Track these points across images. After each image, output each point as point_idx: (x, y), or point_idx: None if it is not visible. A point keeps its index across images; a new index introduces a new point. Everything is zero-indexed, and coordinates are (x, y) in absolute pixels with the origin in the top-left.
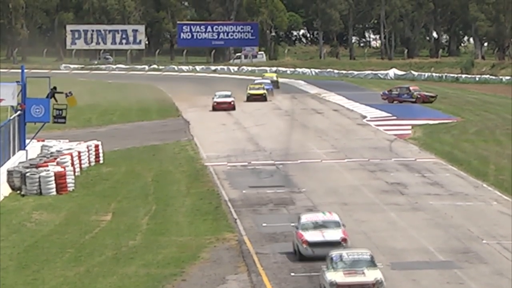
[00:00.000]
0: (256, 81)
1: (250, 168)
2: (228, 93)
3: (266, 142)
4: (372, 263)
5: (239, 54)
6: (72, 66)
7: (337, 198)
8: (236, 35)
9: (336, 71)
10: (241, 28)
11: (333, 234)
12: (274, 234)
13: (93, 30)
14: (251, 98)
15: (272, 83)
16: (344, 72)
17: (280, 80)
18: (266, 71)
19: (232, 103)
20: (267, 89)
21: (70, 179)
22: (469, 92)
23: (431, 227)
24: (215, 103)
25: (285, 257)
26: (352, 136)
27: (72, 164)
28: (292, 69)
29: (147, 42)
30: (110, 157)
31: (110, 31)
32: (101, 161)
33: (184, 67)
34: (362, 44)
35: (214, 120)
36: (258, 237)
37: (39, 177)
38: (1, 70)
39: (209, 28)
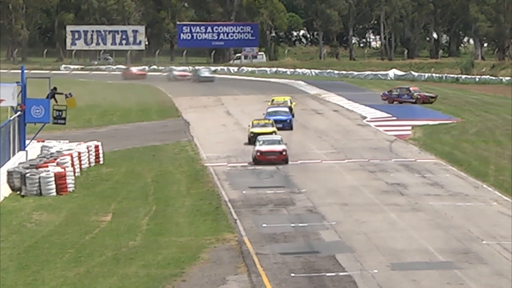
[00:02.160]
0: (269, 109)
1: (250, 169)
2: (278, 137)
3: None
4: None
5: (239, 54)
6: (72, 66)
7: (337, 199)
8: (236, 36)
9: (336, 71)
10: (241, 29)
11: None
12: (274, 235)
13: (93, 31)
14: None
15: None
16: (344, 72)
17: (280, 80)
18: (275, 96)
19: (283, 153)
20: (285, 121)
21: (70, 179)
22: (469, 93)
23: (431, 228)
24: (258, 153)
25: (285, 257)
26: (352, 137)
27: (72, 165)
28: (292, 70)
29: (147, 43)
30: (110, 157)
31: (110, 31)
32: (101, 162)
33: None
34: (362, 45)
35: (214, 120)
36: (258, 237)
37: (39, 178)
38: (1, 71)
39: (209, 29)
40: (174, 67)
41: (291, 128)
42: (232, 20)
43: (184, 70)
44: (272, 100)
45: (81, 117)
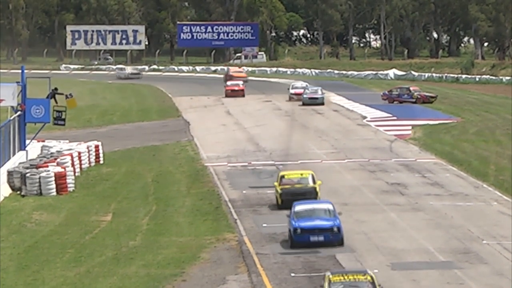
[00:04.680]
0: (297, 208)
1: (250, 169)
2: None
3: (266, 142)
4: None
5: (239, 54)
6: (72, 66)
7: (338, 199)
8: (236, 36)
9: (336, 71)
10: (241, 29)
11: None
12: (274, 235)
13: (93, 31)
14: None
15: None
16: (344, 72)
17: (280, 80)
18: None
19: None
20: (330, 230)
21: (70, 179)
22: (469, 93)
23: (431, 228)
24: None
25: (286, 257)
26: (352, 137)
27: (72, 165)
28: (292, 70)
29: (147, 43)
30: (110, 157)
31: (110, 31)
32: (101, 162)
33: (184, 68)
34: (362, 45)
35: (214, 120)
36: (258, 237)
37: (39, 178)
38: (1, 71)
39: (209, 29)
40: (293, 83)
41: (341, 243)
42: (232, 20)
43: (300, 88)
44: (281, 178)
45: (81, 117)
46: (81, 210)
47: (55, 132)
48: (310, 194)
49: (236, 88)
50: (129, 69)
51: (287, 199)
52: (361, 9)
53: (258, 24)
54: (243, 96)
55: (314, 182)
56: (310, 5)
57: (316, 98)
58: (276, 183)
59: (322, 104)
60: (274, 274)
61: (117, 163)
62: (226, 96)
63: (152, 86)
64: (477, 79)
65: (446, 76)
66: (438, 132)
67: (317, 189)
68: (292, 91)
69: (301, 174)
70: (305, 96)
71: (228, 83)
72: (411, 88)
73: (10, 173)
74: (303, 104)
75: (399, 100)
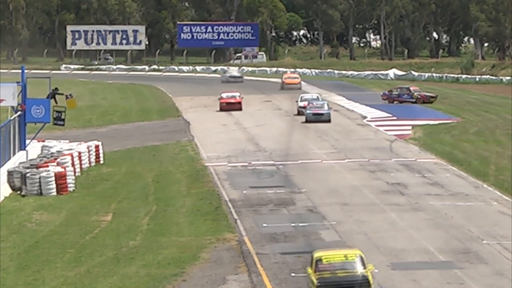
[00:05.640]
0: None
1: (250, 169)
2: None
3: (267, 142)
4: None
5: (239, 54)
6: (72, 66)
7: (338, 199)
8: (236, 36)
9: (336, 71)
10: (242, 29)
11: None
12: (274, 235)
13: (93, 31)
14: None
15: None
16: (344, 72)
17: (281, 81)
18: None
19: None
20: None
21: (70, 179)
22: (469, 93)
23: (431, 228)
24: None
25: (286, 257)
26: (352, 137)
27: (73, 165)
28: (292, 70)
29: (147, 43)
30: (111, 157)
31: (110, 31)
32: (102, 162)
33: (185, 68)
34: (362, 45)
35: (214, 120)
36: (258, 237)
37: (40, 178)
38: (2, 71)
39: (209, 29)
40: (303, 94)
41: None
42: (232, 20)
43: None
44: (317, 262)
45: (82, 117)
46: (81, 210)
47: (55, 132)
48: (360, 286)
49: (233, 101)
50: (231, 72)
51: None
52: (361, 9)
53: (258, 24)
54: (240, 109)
55: (364, 267)
56: (310, 5)
57: (322, 114)
58: (309, 269)
59: (329, 121)
60: (274, 274)
61: (117, 163)
62: (221, 109)
63: (152, 86)
64: (477, 79)
65: (446, 76)
66: (438, 132)
67: (370, 278)
68: (301, 103)
69: (345, 257)
70: (308, 111)
71: (223, 94)
72: (411, 88)
73: (10, 173)
74: (307, 121)
75: (399, 100)
